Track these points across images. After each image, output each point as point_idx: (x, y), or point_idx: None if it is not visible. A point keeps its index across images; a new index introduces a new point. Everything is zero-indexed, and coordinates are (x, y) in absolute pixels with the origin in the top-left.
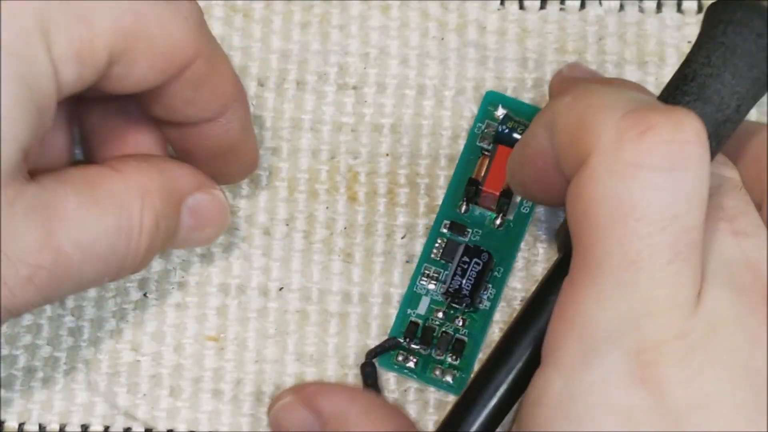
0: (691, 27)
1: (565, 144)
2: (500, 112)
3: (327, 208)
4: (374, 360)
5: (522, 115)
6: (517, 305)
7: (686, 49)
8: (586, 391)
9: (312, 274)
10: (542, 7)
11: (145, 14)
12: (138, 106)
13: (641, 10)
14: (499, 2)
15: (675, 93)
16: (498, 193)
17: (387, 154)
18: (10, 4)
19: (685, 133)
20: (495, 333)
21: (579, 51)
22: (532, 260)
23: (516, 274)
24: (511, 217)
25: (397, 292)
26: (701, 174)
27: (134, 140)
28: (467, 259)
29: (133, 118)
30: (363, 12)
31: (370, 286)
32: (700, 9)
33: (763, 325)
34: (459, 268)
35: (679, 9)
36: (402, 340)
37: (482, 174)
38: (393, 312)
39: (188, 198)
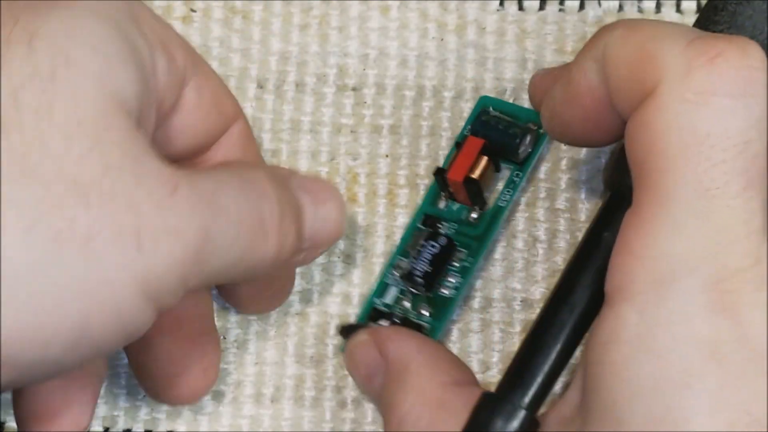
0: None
1: (625, 77)
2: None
3: None
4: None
5: (508, 115)
6: (517, 305)
7: None
8: (666, 324)
9: (312, 275)
10: (541, 8)
11: (196, 56)
12: None
13: (640, 10)
14: (498, 3)
15: (707, 24)
16: (460, 180)
17: (386, 156)
18: None
19: (752, 59)
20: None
21: (578, 51)
22: (531, 260)
23: (516, 275)
24: (487, 210)
25: None
26: (765, 100)
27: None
28: (424, 243)
29: None
30: (362, 13)
31: (370, 287)
32: (698, 9)
33: None
34: (416, 252)
35: (678, 9)
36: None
37: (450, 164)
38: None
39: (291, 180)
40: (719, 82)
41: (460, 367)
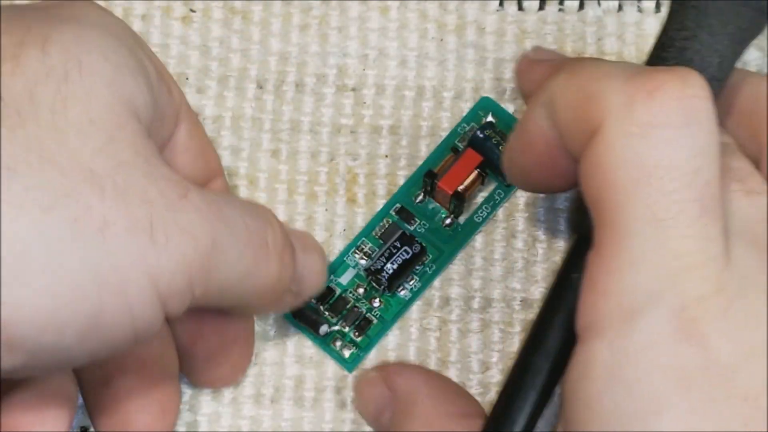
0: None
1: (571, 119)
2: (489, 119)
3: (326, 210)
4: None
5: (507, 129)
6: (517, 305)
7: None
8: (635, 356)
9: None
10: (541, 8)
11: (187, 103)
12: None
13: (640, 10)
14: (497, 3)
15: (655, 61)
16: (450, 192)
17: (386, 156)
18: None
19: (693, 89)
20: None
21: (578, 51)
22: (531, 260)
23: (516, 275)
24: (462, 221)
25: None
26: (712, 127)
27: None
28: (398, 245)
29: None
30: (362, 13)
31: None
32: None
33: None
34: (388, 251)
35: None
36: (314, 302)
37: (443, 169)
38: None
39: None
40: (661, 114)
41: (466, 399)
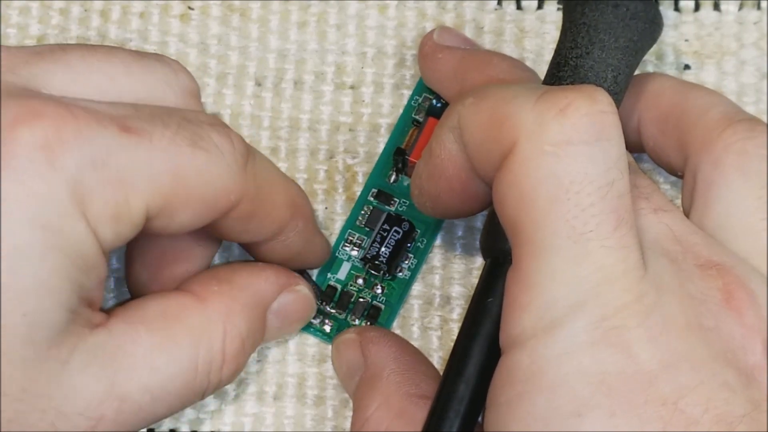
0: (688, 25)
1: (482, 141)
2: None
3: (326, 208)
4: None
5: None
6: None
7: (684, 46)
8: (556, 362)
9: (312, 274)
10: (539, 7)
11: (184, 170)
12: None
13: None
14: (496, 2)
15: (551, 81)
16: None
17: None
18: (43, 177)
19: (601, 105)
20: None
21: None
22: None
23: None
24: None
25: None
26: (621, 141)
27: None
28: (387, 227)
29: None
30: (360, 11)
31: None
32: (696, 7)
33: (703, 289)
34: (378, 236)
35: (676, 7)
36: (319, 303)
37: (410, 144)
38: None
39: (273, 304)
40: (573, 131)
41: (432, 381)
